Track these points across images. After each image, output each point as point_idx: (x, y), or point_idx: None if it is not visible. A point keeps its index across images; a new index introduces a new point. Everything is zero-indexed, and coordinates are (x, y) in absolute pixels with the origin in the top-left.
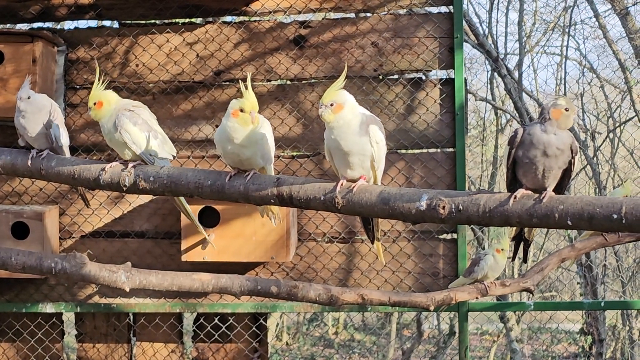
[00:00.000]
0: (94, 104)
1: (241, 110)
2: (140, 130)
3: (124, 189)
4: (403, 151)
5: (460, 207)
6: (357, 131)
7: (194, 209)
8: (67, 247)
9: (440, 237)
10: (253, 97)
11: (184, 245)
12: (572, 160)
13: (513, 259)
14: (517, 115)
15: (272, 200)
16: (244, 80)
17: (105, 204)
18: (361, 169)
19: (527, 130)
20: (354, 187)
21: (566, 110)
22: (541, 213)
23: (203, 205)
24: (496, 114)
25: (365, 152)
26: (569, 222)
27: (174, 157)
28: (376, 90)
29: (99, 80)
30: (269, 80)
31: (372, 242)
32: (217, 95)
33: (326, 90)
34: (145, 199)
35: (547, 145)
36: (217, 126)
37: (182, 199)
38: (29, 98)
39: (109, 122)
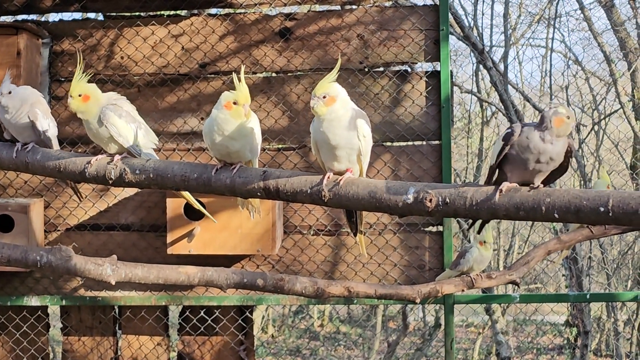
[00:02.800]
0: (79, 95)
1: (234, 103)
2: (126, 122)
3: (110, 182)
4: (389, 144)
5: (447, 200)
6: (346, 125)
7: (178, 203)
8: (52, 240)
9: (426, 229)
10: (246, 90)
11: (170, 238)
12: (568, 162)
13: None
14: (502, 107)
15: (258, 194)
16: (237, 72)
17: (90, 197)
18: (347, 162)
19: (525, 133)
20: (340, 180)
21: (567, 118)
22: (528, 206)
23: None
24: (482, 106)
25: (352, 145)
26: (556, 215)
27: (157, 147)
28: (362, 82)
29: (82, 71)
30: (254, 73)
31: (355, 235)
32: (202, 88)
33: (316, 82)
34: (130, 191)
35: (543, 152)
36: (202, 119)
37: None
38: (9, 93)
39: (94, 118)
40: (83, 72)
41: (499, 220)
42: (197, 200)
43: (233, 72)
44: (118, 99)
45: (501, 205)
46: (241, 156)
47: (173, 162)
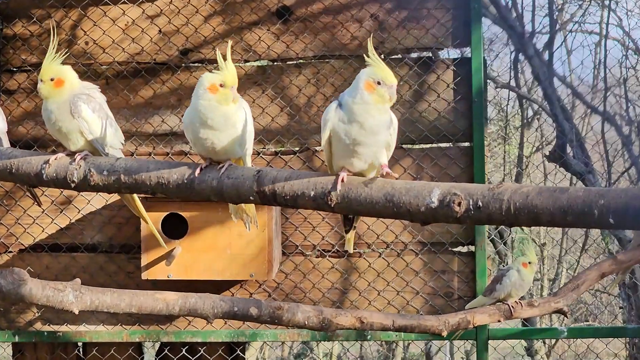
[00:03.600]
0: (51, 79)
1: (221, 86)
2: (98, 117)
3: (72, 185)
4: (409, 146)
5: (480, 204)
6: (382, 116)
7: (155, 216)
8: (2, 263)
9: (455, 249)
10: (234, 70)
11: (145, 260)
12: None
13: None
14: (546, 105)
15: (251, 198)
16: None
17: (49, 211)
18: (371, 159)
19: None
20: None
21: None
22: (577, 209)
23: (167, 212)
24: (521, 104)
25: (383, 139)
26: (611, 221)
27: (123, 148)
28: None
29: (55, 50)
30: (246, 61)
31: (347, 233)
32: (184, 80)
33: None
34: (97, 204)
35: None
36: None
37: (135, 197)
38: None
39: (62, 107)
40: (56, 52)
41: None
42: (177, 214)
43: (217, 51)
44: (91, 88)
45: (545, 208)
46: (229, 152)
47: (148, 161)
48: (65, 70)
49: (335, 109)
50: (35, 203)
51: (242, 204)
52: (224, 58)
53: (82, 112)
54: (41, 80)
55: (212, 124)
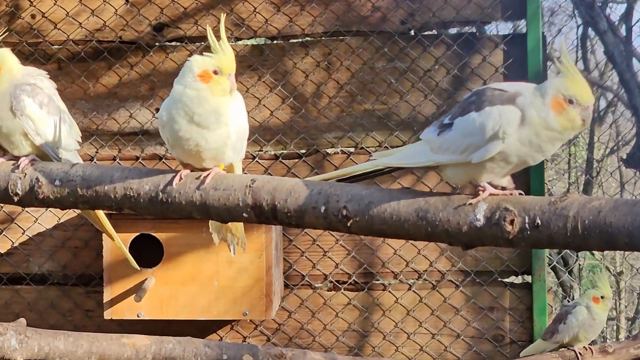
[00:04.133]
0: None
1: (215, 73)
2: (47, 114)
3: (15, 198)
4: None
5: (538, 221)
6: None
7: (121, 238)
8: None
9: (506, 280)
10: (232, 53)
11: (108, 294)
12: None
13: None
14: (623, 94)
15: (244, 214)
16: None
17: None
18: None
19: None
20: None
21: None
22: None
23: (136, 233)
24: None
25: None
26: None
27: (80, 146)
28: (405, 53)
29: None
30: (238, 39)
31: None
32: (158, 63)
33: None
34: (46, 223)
35: None
36: (157, 110)
37: (101, 213)
38: None
39: (1, 101)
40: None
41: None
42: (149, 236)
43: (207, 27)
44: (37, 75)
45: (621, 227)
46: (218, 157)
47: (112, 168)
48: (2, 53)
49: (520, 122)
50: None
51: None
52: (218, 37)
53: (27, 108)
54: None
55: (199, 121)
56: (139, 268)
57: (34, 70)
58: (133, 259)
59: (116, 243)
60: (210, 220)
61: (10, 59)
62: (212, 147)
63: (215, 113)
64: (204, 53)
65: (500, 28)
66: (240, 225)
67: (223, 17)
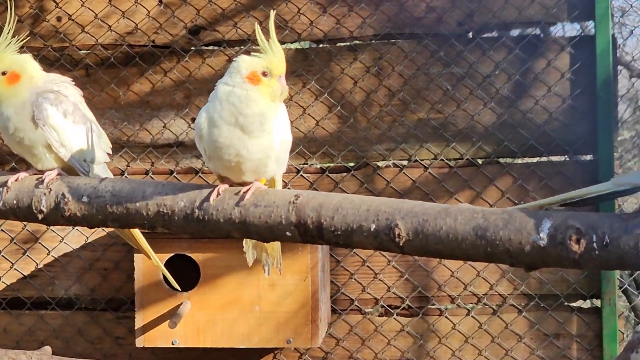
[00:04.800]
0: (3, 73)
1: (264, 74)
2: (73, 123)
3: (40, 216)
4: (509, 160)
5: (607, 240)
6: None
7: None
8: None
9: (573, 305)
10: (282, 53)
11: (141, 320)
12: None
13: None
14: None
15: (287, 233)
16: (263, 28)
17: (7, 253)
18: None
19: None
20: None
21: None
22: None
23: (171, 254)
24: None
25: None
26: None
27: (110, 158)
28: (463, 57)
29: (10, 34)
30: (281, 43)
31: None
32: (193, 69)
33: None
34: (73, 243)
35: None
36: (193, 119)
37: (136, 230)
38: None
39: (21, 110)
40: (11, 33)
41: None
42: (184, 257)
43: (256, 24)
44: (61, 82)
45: None
46: (260, 170)
47: (144, 183)
48: (22, 60)
49: None
50: None
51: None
52: (266, 36)
53: (50, 117)
54: None
55: (244, 123)
56: (179, 290)
57: (57, 77)
58: (174, 280)
59: (153, 262)
60: (245, 240)
61: (31, 65)
62: (254, 158)
63: (262, 117)
64: (252, 53)
65: (566, 29)
66: (277, 244)
67: (272, 14)
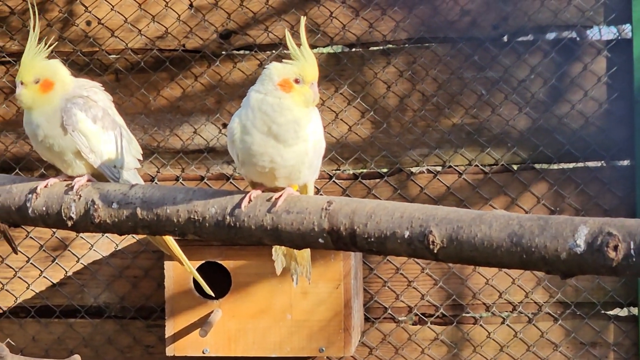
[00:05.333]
0: (36, 81)
1: (296, 81)
2: (102, 129)
3: (69, 223)
4: (544, 166)
5: None
6: None
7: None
8: None
9: (610, 313)
10: (314, 59)
11: (171, 329)
12: None
13: None
14: None
15: (320, 240)
16: (294, 32)
17: (35, 260)
18: None
19: None
20: None
21: None
22: None
23: (202, 261)
24: None
25: None
26: None
27: (141, 164)
28: (497, 61)
29: (38, 37)
30: (312, 47)
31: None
32: (224, 73)
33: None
34: (103, 250)
35: None
36: (224, 125)
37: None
38: None
39: (52, 117)
40: (41, 39)
41: None
42: (215, 264)
43: (286, 31)
44: (90, 87)
45: None
46: (293, 176)
47: (175, 189)
48: (54, 66)
49: None
50: (12, 250)
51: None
52: (297, 41)
53: (79, 123)
54: (21, 83)
55: (277, 132)
56: (213, 296)
57: (86, 82)
58: (195, 290)
59: (186, 268)
60: (273, 246)
61: (62, 71)
62: (288, 165)
63: (296, 125)
64: (283, 60)
65: (603, 33)
66: (307, 252)
67: (303, 20)
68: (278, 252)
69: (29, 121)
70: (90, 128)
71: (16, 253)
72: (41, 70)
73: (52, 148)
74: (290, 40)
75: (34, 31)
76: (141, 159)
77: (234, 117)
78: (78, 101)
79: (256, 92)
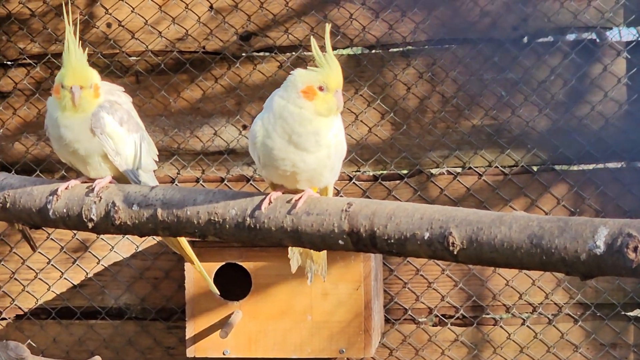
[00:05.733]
0: (90, 86)
1: (320, 89)
2: (127, 132)
3: (90, 225)
4: (564, 167)
5: None
6: None
7: (206, 268)
8: None
9: (630, 314)
10: (338, 67)
11: (191, 330)
12: None
13: None
14: None
15: (340, 242)
16: (319, 38)
17: (56, 262)
18: None
19: None
20: None
21: None
22: None
23: (222, 263)
24: None
25: None
26: None
27: (157, 165)
28: (518, 62)
29: (78, 42)
30: (334, 49)
31: None
32: (244, 75)
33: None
34: (123, 252)
35: None
36: (245, 127)
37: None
38: None
39: (84, 121)
40: (78, 40)
41: None
42: (236, 266)
43: (312, 39)
44: (115, 90)
45: None
46: (314, 179)
47: (195, 191)
48: (96, 74)
49: None
50: (31, 248)
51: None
52: (322, 48)
53: (107, 126)
54: (80, 88)
55: (297, 141)
56: (218, 294)
57: (112, 86)
58: (215, 287)
59: (196, 268)
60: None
61: (98, 75)
62: (310, 169)
63: (316, 135)
64: (308, 67)
65: (622, 34)
66: (322, 253)
67: (328, 27)
68: (294, 251)
69: (56, 123)
70: (117, 131)
71: (34, 251)
72: (92, 75)
73: (77, 151)
74: (315, 47)
75: (75, 37)
76: (157, 160)
77: (256, 119)
78: (105, 105)
79: (279, 97)
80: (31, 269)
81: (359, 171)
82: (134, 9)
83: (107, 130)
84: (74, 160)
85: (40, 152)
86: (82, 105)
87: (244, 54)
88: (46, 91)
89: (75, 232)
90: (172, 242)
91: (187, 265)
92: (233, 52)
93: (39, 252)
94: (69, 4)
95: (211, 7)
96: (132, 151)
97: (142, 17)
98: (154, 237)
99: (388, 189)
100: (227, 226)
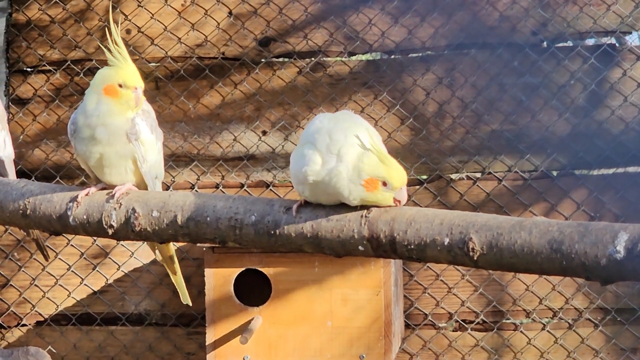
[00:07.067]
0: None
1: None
2: (155, 139)
3: (110, 231)
4: (584, 172)
5: None
6: None
7: (225, 274)
8: (13, 340)
9: None
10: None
11: (212, 336)
12: None
13: None
14: None
15: (360, 247)
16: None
17: (76, 268)
18: None
19: None
20: None
21: None
22: None
23: (242, 269)
24: None
25: None
26: None
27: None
28: (537, 67)
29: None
30: (352, 54)
31: None
32: (264, 81)
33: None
34: (143, 258)
35: None
36: (264, 132)
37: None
38: None
39: (123, 125)
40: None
41: None
42: (256, 271)
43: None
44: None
45: None
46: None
47: (215, 197)
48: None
49: None
50: (44, 257)
51: None
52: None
53: (142, 133)
54: (140, 88)
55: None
56: (190, 304)
57: None
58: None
59: (177, 279)
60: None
61: None
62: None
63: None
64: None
65: None
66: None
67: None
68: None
69: (94, 123)
70: (148, 137)
71: (47, 259)
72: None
73: (106, 154)
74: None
75: (117, 44)
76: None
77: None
78: (139, 114)
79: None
80: (51, 275)
81: None
82: (153, 15)
83: (141, 137)
84: (97, 165)
85: (60, 159)
86: (133, 108)
87: (263, 60)
88: (66, 97)
89: (95, 238)
90: (161, 249)
91: (207, 271)
92: (252, 57)
93: (59, 259)
94: (110, 7)
95: (230, 13)
96: (156, 159)
97: (162, 23)
98: (175, 243)
99: (408, 194)
100: (247, 232)
